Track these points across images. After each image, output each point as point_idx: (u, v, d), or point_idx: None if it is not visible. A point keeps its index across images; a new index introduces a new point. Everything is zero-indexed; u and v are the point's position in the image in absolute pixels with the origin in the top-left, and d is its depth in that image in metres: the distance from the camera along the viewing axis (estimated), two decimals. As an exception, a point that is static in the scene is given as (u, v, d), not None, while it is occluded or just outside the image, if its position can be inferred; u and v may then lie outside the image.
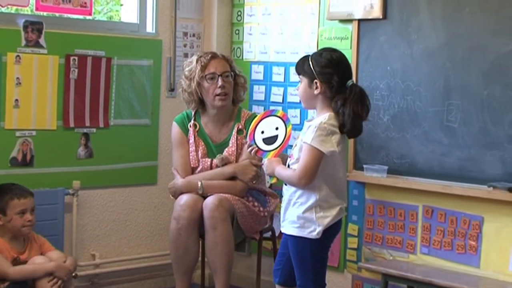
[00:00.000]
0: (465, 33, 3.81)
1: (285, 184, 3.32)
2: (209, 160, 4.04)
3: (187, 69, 4.08)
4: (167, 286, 4.71)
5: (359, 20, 4.20)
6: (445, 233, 3.92)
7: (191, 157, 4.06)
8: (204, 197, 3.90)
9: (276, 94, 4.67)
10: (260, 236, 4.13)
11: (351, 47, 4.21)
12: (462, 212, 3.85)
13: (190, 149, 4.07)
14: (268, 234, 4.31)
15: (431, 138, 3.94)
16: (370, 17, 4.14)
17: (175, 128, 4.14)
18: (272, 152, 3.39)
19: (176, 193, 3.99)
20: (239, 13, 4.87)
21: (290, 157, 3.34)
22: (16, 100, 4.11)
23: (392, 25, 4.08)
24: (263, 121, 3.44)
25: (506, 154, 3.65)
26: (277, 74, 4.67)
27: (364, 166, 4.12)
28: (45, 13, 4.24)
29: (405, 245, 4.08)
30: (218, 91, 4.00)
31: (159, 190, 4.73)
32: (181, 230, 3.85)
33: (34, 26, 4.11)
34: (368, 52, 4.17)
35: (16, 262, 3.75)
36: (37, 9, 4.16)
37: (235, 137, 4.07)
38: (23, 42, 4.10)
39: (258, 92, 4.77)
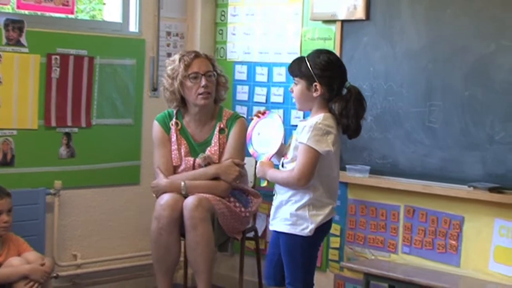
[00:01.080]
0: (447, 35, 3.83)
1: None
2: (192, 159, 4.03)
3: (169, 68, 4.07)
4: (149, 286, 4.70)
5: (343, 21, 4.21)
6: (426, 233, 3.93)
7: (173, 155, 4.05)
8: (186, 197, 3.89)
9: (260, 94, 4.67)
10: (242, 236, 4.12)
11: (334, 48, 4.21)
12: (443, 212, 3.87)
13: (172, 147, 4.06)
14: (251, 234, 4.31)
15: (413, 139, 3.95)
16: (353, 18, 4.15)
17: (156, 127, 4.13)
18: (266, 155, 3.39)
19: (159, 193, 3.97)
20: (223, 13, 4.87)
21: (284, 156, 3.34)
22: (-3, 99, 4.09)
23: (375, 26, 4.10)
24: (259, 123, 3.45)
25: (487, 155, 3.68)
26: (261, 75, 4.67)
27: (347, 166, 4.13)
28: (26, 12, 4.21)
29: (387, 244, 4.10)
30: (201, 90, 3.99)
31: (142, 190, 4.72)
32: (162, 229, 3.84)
33: (15, 25, 4.09)
34: (352, 53, 4.18)
35: (-7, 264, 3.72)
36: (18, 7, 4.14)
37: (217, 136, 4.06)
38: (4, 41, 4.08)
39: (242, 92, 4.76)
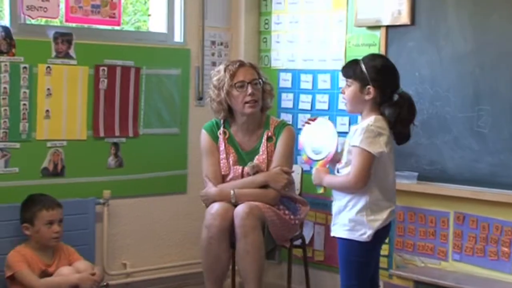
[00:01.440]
0: (493, 39, 3.79)
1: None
2: (240, 167, 4.05)
3: (215, 78, 4.09)
4: (198, 294, 4.74)
5: (387, 27, 4.19)
6: (477, 240, 3.88)
7: (222, 164, 4.07)
8: (235, 206, 3.91)
9: (304, 102, 4.67)
10: (290, 244, 4.12)
11: (379, 54, 4.19)
12: (494, 218, 3.82)
13: (221, 156, 4.08)
14: (299, 242, 4.31)
15: (461, 144, 3.91)
16: (398, 23, 4.13)
17: (205, 136, 4.15)
18: (320, 162, 3.39)
19: (209, 202, 3.99)
20: (266, 21, 4.88)
21: (338, 162, 3.34)
22: (47, 110, 4.16)
23: (421, 31, 4.07)
24: (311, 129, 3.46)
25: (538, 159, 3.63)
26: (305, 82, 4.67)
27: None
28: (74, 24, 4.28)
29: (437, 251, 4.06)
30: (248, 98, 4.01)
31: (189, 198, 4.75)
32: (212, 238, 3.86)
33: (63, 38, 4.16)
34: (396, 58, 4.12)
35: (44, 274, 3.78)
36: (66, 20, 4.21)
37: (265, 144, 4.07)
38: (53, 54, 4.15)
39: (286, 100, 4.77)
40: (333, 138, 3.37)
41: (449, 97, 3.96)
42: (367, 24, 4.29)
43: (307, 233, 4.58)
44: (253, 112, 4.04)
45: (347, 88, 3.30)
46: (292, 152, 4.13)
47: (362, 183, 3.18)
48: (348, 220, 3.25)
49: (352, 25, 4.37)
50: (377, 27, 4.24)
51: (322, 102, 4.57)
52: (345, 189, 3.25)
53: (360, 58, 3.35)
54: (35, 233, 3.82)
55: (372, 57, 3.33)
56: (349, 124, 4.28)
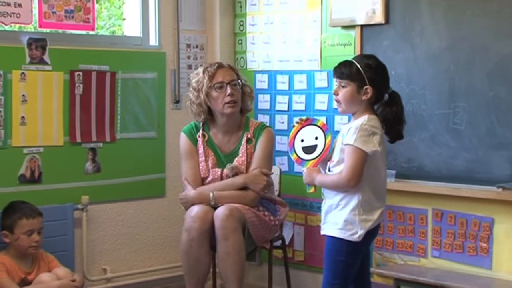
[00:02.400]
0: (467, 35, 3.82)
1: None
2: (220, 170, 4.04)
3: (194, 80, 4.08)
4: (179, 297, 4.73)
5: (362, 26, 4.21)
6: (456, 236, 3.91)
7: (201, 167, 4.06)
8: (215, 208, 3.90)
9: (281, 103, 4.67)
10: (270, 245, 4.13)
11: (354, 53, 4.21)
12: (472, 214, 3.85)
13: (200, 159, 4.07)
14: (279, 243, 4.31)
15: (438, 141, 3.94)
16: (372, 22, 4.15)
17: (184, 139, 4.14)
18: (311, 162, 3.41)
19: (188, 204, 3.98)
20: (241, 23, 4.88)
21: (329, 161, 3.36)
22: (23, 117, 4.12)
23: (395, 29, 4.09)
24: (303, 129, 3.47)
25: (515, 154, 3.66)
26: (282, 83, 4.67)
27: (372, 171, 4.12)
28: (48, 30, 4.26)
29: (416, 249, 4.08)
30: (228, 99, 4.01)
31: (168, 202, 4.74)
32: (192, 241, 3.85)
33: (38, 43, 4.13)
34: (372, 57, 4.17)
35: (23, 282, 3.75)
36: (40, 26, 4.18)
37: (245, 146, 4.07)
38: (28, 60, 4.12)
39: (263, 101, 4.77)
40: (326, 138, 3.39)
41: (425, 95, 3.99)
42: (341, 24, 4.30)
43: (287, 233, 4.59)
44: (233, 112, 4.04)
45: (341, 89, 3.29)
46: (271, 154, 4.13)
47: (355, 182, 3.19)
48: (339, 219, 3.26)
49: (327, 25, 4.38)
50: (352, 26, 4.25)
51: (299, 103, 4.57)
52: (338, 187, 3.26)
53: (350, 59, 3.35)
54: (14, 241, 3.80)
55: (365, 57, 3.36)
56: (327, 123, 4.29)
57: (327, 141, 3.39)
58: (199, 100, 4.04)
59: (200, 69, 4.09)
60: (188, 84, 4.34)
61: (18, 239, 3.79)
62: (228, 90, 4.00)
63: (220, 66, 4.08)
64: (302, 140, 3.45)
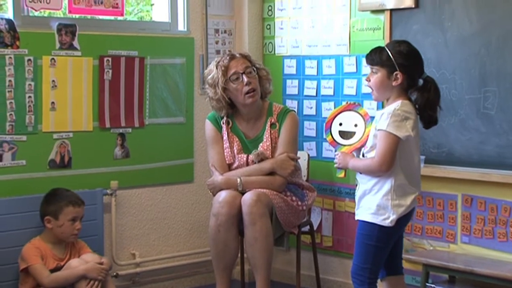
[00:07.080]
0: (498, 19, 3.77)
1: (360, 173, 3.34)
2: (245, 156, 4.04)
3: (209, 77, 4.07)
4: (207, 283, 4.73)
5: (391, 10, 4.17)
6: (486, 222, 3.88)
7: (226, 153, 4.07)
8: (243, 193, 3.91)
9: (310, 88, 4.65)
10: (298, 230, 4.12)
11: (383, 38, 4.18)
12: (502, 200, 3.81)
13: (225, 145, 4.08)
14: (306, 228, 4.31)
15: (468, 126, 3.90)
16: (402, 6, 4.11)
17: (209, 125, 4.15)
18: (346, 147, 3.42)
19: (215, 190, 3.99)
20: (270, 7, 4.86)
21: (364, 147, 3.37)
22: (53, 102, 4.15)
23: (425, 13, 4.05)
24: (343, 113, 3.49)
25: (546, 139, 3.62)
26: (310, 68, 4.65)
27: (401, 156, 4.09)
28: (77, 16, 4.28)
29: (445, 234, 4.05)
30: (246, 88, 3.99)
31: (196, 187, 4.75)
32: (220, 226, 3.86)
33: (67, 29, 4.16)
34: (401, 41, 4.13)
35: (56, 269, 3.78)
36: (69, 11, 4.20)
37: (269, 131, 4.06)
38: (57, 45, 4.14)
39: (291, 87, 4.76)
40: (366, 127, 3.39)
41: (455, 79, 3.95)
42: (371, 8, 4.27)
43: (315, 219, 4.58)
44: (254, 101, 4.03)
45: (373, 76, 3.29)
46: (296, 138, 4.12)
47: (387, 166, 3.19)
48: (372, 204, 3.26)
49: (356, 9, 4.35)
50: (381, 10, 4.22)
51: (328, 88, 4.55)
52: (370, 172, 3.26)
53: (383, 45, 3.34)
54: (57, 227, 3.81)
55: (397, 43, 3.34)
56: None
57: (366, 130, 3.39)
58: (217, 96, 4.03)
59: (213, 64, 4.08)
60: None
61: (62, 226, 3.80)
62: (245, 79, 3.99)
63: (231, 57, 4.06)
64: (341, 124, 3.46)
